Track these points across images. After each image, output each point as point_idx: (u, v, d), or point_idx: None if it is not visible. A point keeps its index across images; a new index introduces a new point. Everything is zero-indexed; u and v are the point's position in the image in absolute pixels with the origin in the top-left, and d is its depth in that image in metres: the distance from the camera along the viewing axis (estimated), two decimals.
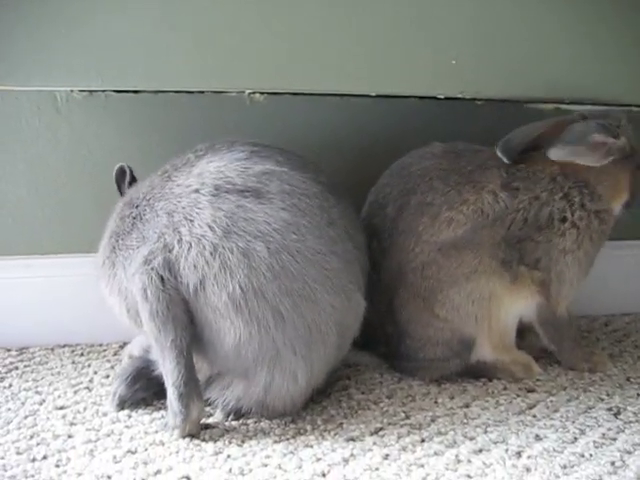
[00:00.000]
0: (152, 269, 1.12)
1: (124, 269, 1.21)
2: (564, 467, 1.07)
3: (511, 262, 1.37)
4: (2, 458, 1.07)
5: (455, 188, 1.39)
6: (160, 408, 1.27)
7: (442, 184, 1.40)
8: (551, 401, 1.32)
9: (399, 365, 1.47)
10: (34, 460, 1.07)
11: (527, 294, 1.41)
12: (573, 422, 1.23)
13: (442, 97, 1.52)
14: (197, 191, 1.16)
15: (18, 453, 1.09)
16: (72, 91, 1.52)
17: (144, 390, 1.28)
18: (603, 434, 1.18)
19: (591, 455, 1.11)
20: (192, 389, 1.14)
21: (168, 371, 1.14)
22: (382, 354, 1.50)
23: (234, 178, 1.16)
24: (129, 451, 1.11)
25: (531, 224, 1.37)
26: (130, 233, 1.22)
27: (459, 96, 1.51)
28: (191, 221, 1.13)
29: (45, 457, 1.08)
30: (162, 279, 1.12)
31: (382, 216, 1.45)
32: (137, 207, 1.23)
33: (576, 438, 1.17)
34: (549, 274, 1.39)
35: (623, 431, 1.20)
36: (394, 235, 1.41)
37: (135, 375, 1.29)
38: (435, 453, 1.11)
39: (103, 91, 1.52)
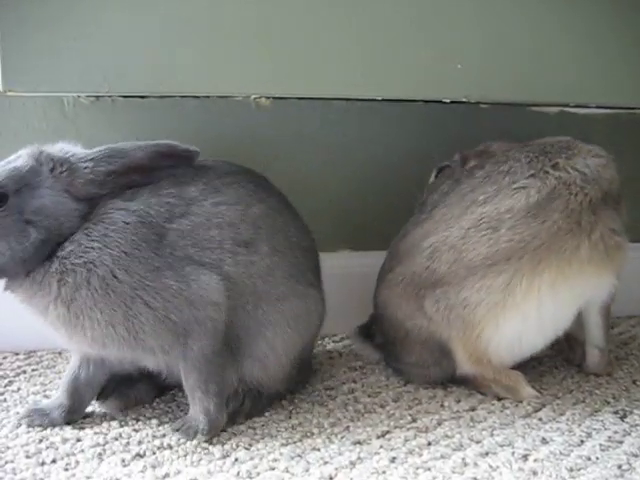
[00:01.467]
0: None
1: None
2: (571, 470, 1.07)
3: (607, 231, 1.30)
4: (12, 462, 1.08)
5: (546, 154, 1.32)
6: (167, 412, 1.28)
7: (527, 153, 1.34)
8: (557, 404, 1.32)
9: (389, 364, 1.49)
10: (43, 464, 1.08)
11: (611, 271, 1.34)
12: (579, 425, 1.23)
13: (447, 101, 1.52)
14: None
15: (27, 457, 1.10)
16: (79, 96, 1.53)
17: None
18: (609, 437, 1.18)
19: (597, 458, 1.11)
20: (224, 398, 1.21)
21: (210, 382, 1.18)
22: (379, 346, 1.52)
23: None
24: (137, 455, 1.11)
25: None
26: None
27: (464, 100, 1.51)
28: None
29: (54, 461, 1.09)
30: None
31: (433, 194, 1.42)
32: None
33: (582, 441, 1.17)
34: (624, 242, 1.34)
35: (629, 434, 1.20)
36: (437, 207, 1.36)
37: None
38: (442, 456, 1.12)
39: (109, 96, 1.53)
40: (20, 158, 1.16)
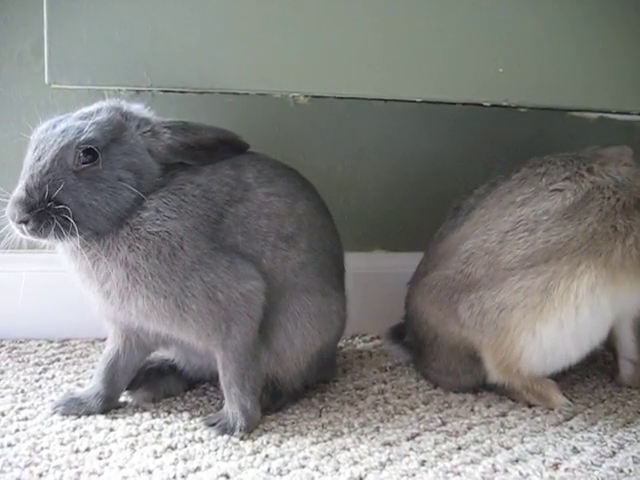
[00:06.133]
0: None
1: None
2: None
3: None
4: (47, 448, 1.10)
5: (579, 159, 1.34)
6: (198, 405, 1.29)
7: (561, 158, 1.35)
8: (589, 414, 1.31)
9: (418, 367, 1.49)
10: (77, 451, 1.10)
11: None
12: (611, 436, 1.22)
13: (488, 104, 1.51)
14: None
15: (62, 444, 1.12)
16: (120, 89, 1.54)
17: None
18: None
19: (630, 471, 1.09)
20: (259, 395, 1.24)
21: (249, 379, 1.20)
22: (410, 346, 1.53)
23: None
24: (169, 447, 1.12)
25: None
26: None
27: (504, 104, 1.50)
28: None
29: (88, 449, 1.10)
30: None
31: (468, 197, 1.42)
32: None
33: (614, 452, 1.16)
34: None
35: None
36: (474, 209, 1.36)
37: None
38: (472, 461, 1.11)
39: (150, 90, 1.54)
40: (102, 111, 1.15)
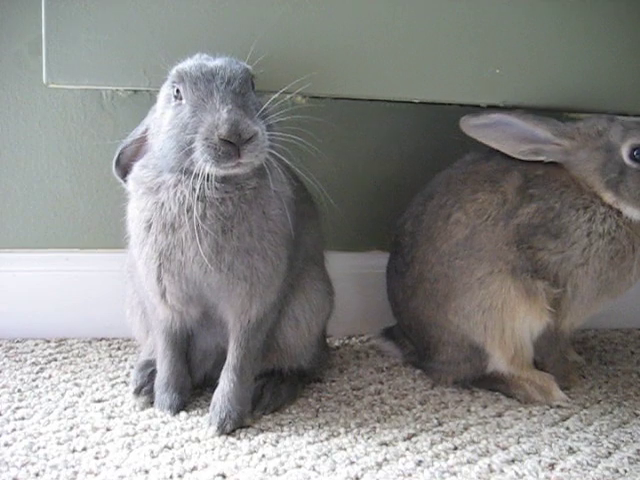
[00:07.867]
0: None
1: None
2: None
3: (523, 271, 1.34)
4: (44, 447, 1.10)
5: (471, 187, 1.40)
6: (196, 406, 1.29)
7: (460, 185, 1.42)
8: (585, 414, 1.31)
9: (419, 364, 1.51)
10: (74, 451, 1.10)
11: (540, 312, 1.36)
12: (607, 436, 1.22)
13: (484, 105, 1.52)
14: None
15: (59, 443, 1.12)
16: (117, 90, 1.54)
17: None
18: (638, 450, 1.17)
19: (626, 471, 1.10)
20: None
21: (255, 369, 1.26)
22: (407, 349, 1.56)
23: None
24: (166, 447, 1.12)
25: (543, 232, 1.34)
26: None
27: (501, 105, 1.50)
28: None
29: (85, 449, 1.11)
30: None
31: (403, 234, 1.49)
32: None
33: (610, 453, 1.16)
34: (565, 288, 1.35)
35: None
36: (414, 250, 1.45)
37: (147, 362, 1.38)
38: (468, 461, 1.12)
39: (147, 90, 1.54)
40: None
